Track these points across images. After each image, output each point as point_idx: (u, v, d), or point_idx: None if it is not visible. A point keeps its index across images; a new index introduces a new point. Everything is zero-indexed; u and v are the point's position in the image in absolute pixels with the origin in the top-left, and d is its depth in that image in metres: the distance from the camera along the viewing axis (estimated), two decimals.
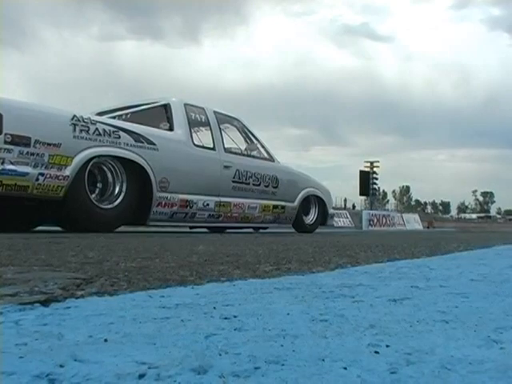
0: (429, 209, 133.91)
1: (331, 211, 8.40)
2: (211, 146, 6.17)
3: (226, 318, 0.84)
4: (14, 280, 1.23)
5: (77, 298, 1.03)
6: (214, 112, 6.48)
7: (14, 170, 4.12)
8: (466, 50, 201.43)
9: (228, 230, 7.13)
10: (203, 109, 6.36)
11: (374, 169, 32.74)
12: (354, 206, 44.23)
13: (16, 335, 0.70)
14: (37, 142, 4.24)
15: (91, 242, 3.08)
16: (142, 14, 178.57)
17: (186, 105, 6.07)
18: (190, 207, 5.72)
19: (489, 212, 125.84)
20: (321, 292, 1.18)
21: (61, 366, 0.55)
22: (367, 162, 33.60)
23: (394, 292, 1.20)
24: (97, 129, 4.78)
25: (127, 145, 5.03)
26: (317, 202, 7.92)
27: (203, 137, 6.28)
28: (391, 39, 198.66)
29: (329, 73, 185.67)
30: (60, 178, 4.42)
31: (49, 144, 4.33)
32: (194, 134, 6.01)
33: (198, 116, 6.20)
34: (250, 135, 7.04)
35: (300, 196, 7.42)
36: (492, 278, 1.58)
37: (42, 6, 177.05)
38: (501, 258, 2.77)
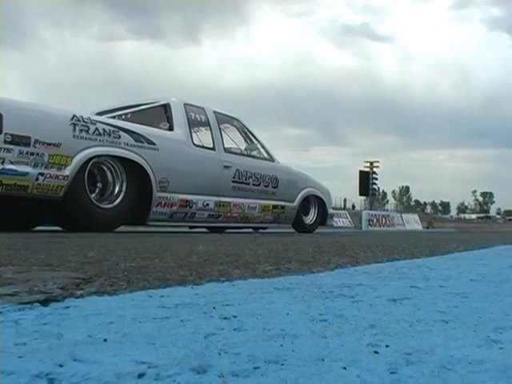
0: (428, 209, 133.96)
1: (331, 211, 8.40)
2: (211, 145, 6.18)
3: (225, 318, 0.84)
4: (14, 280, 1.23)
5: (76, 297, 1.03)
6: (214, 112, 6.48)
7: (14, 170, 4.12)
8: (466, 50, 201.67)
9: (228, 230, 7.13)
10: (203, 109, 6.36)
11: (374, 169, 32.75)
12: (353, 206, 44.24)
13: (15, 335, 0.70)
14: (37, 141, 4.24)
15: (91, 242, 3.08)
16: (142, 13, 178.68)
17: (185, 105, 6.07)
18: (190, 207, 5.72)
19: (488, 212, 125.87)
20: (320, 292, 1.18)
21: (60, 366, 0.55)
22: (367, 162, 33.63)
23: (393, 292, 1.20)
24: (97, 128, 4.78)
25: (127, 145, 5.03)
26: (316, 202, 7.92)
27: (203, 137, 6.28)
28: (391, 39, 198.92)
29: (329, 73, 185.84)
30: (60, 177, 4.42)
31: (49, 144, 4.33)
32: (193, 134, 6.02)
33: (197, 116, 6.20)
34: (250, 135, 7.05)
35: (300, 196, 7.42)
36: (491, 278, 1.58)
37: (41, 6, 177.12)
38: (500, 258, 2.77)
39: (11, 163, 4.10)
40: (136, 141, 5.13)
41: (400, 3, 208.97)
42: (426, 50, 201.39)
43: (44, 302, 0.95)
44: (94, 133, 4.74)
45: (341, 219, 25.31)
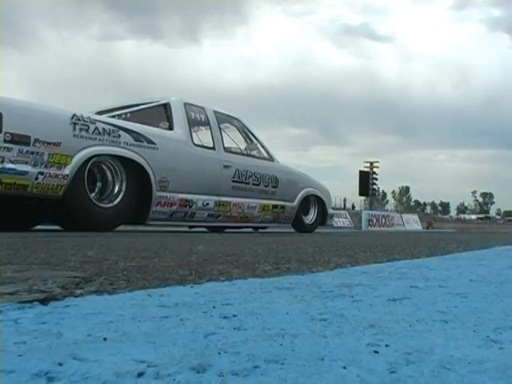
0: (428, 209, 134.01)
1: (331, 211, 8.41)
2: (211, 145, 6.18)
3: (225, 317, 0.84)
4: (13, 278, 1.23)
5: (76, 296, 1.03)
6: (214, 111, 6.49)
7: (14, 169, 4.12)
8: (466, 51, 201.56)
9: (227, 230, 7.13)
10: (203, 108, 6.36)
11: (374, 169, 32.76)
12: (353, 206, 44.25)
13: (15, 334, 0.70)
14: (36, 140, 4.24)
15: (90, 241, 3.08)
16: (142, 13, 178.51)
17: (185, 104, 6.07)
18: (190, 207, 5.72)
19: (488, 213, 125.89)
20: (320, 292, 1.18)
21: (60, 365, 0.55)
22: (367, 162, 33.64)
23: (393, 292, 1.20)
24: (96, 128, 4.78)
25: (127, 144, 5.03)
26: (316, 201, 7.92)
27: (203, 136, 6.29)
28: (391, 39, 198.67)
29: (329, 73, 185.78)
30: (59, 176, 4.42)
31: (48, 143, 4.33)
32: (193, 134, 6.02)
33: (197, 115, 6.20)
34: (250, 135, 7.05)
35: (299, 196, 7.42)
36: (491, 278, 1.58)
37: (41, 6, 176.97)
38: (500, 258, 2.78)
39: (11, 162, 4.10)
40: (136, 140, 5.13)
41: (400, 3, 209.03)
42: (425, 49, 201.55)
43: (44, 301, 0.95)
44: (93, 132, 4.74)
45: (340, 219, 25.32)
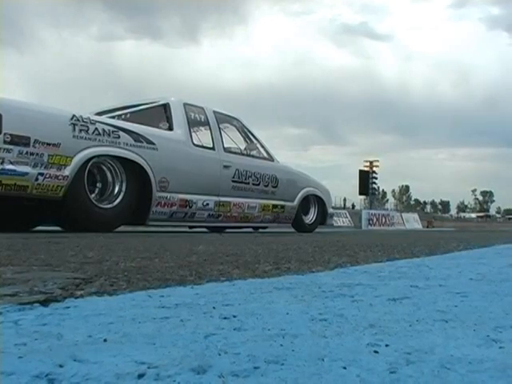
0: (428, 208, 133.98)
1: (331, 211, 8.40)
2: (211, 145, 6.17)
3: (225, 318, 0.84)
4: (14, 280, 1.23)
5: (76, 297, 1.03)
6: (214, 112, 6.48)
7: (14, 170, 4.12)
8: (466, 49, 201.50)
9: (227, 230, 7.13)
10: (203, 108, 6.36)
11: (374, 168, 32.73)
12: (353, 206, 44.22)
13: (15, 335, 0.70)
14: (36, 141, 4.24)
15: (90, 242, 3.08)
16: (141, 13, 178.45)
17: (185, 104, 6.07)
18: (190, 207, 5.72)
19: (488, 211, 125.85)
20: (320, 291, 1.18)
21: (60, 366, 0.55)
22: (367, 161, 33.60)
23: (393, 291, 1.20)
24: (96, 128, 4.78)
25: (127, 144, 5.03)
26: (316, 201, 7.92)
27: (203, 136, 6.28)
28: (390, 38, 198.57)
29: (328, 72, 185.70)
30: (59, 177, 4.42)
31: (48, 144, 4.33)
32: (193, 134, 6.01)
33: (197, 116, 6.20)
34: (250, 135, 7.04)
35: (299, 195, 7.42)
36: (491, 277, 1.58)
37: (41, 6, 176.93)
38: (500, 257, 2.78)
39: (11, 163, 4.10)
40: (135, 141, 5.13)
41: (399, 2, 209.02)
42: (425, 49, 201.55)
43: (44, 303, 0.95)
44: (93, 133, 4.73)
45: (340, 219, 25.31)
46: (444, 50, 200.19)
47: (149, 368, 0.55)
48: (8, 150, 4.08)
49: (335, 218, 19.74)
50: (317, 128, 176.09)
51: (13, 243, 2.75)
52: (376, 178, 32.59)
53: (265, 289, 1.21)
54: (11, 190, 4.14)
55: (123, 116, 6.04)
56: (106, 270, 1.54)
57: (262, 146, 7.14)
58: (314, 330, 0.76)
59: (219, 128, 6.41)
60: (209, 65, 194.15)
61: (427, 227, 33.72)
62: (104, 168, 5.03)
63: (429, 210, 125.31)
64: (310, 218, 7.90)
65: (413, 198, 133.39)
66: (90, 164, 4.75)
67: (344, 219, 26.04)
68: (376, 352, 0.64)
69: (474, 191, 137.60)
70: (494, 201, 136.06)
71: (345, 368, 0.57)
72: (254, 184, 6.63)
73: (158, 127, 5.78)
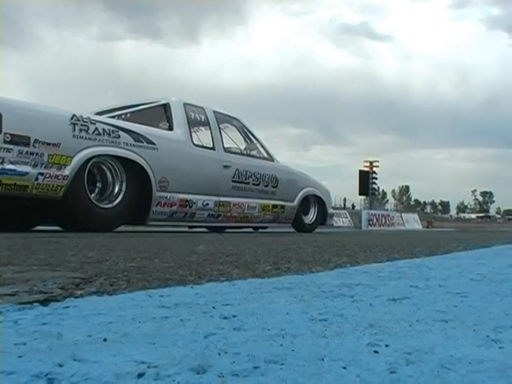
0: (428, 208, 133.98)
1: (331, 211, 8.40)
2: (211, 145, 6.17)
3: (225, 318, 0.84)
4: (14, 279, 1.23)
5: (76, 297, 1.03)
6: (214, 112, 6.48)
7: (14, 170, 4.11)
8: (466, 50, 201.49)
9: (227, 230, 7.13)
10: (203, 108, 6.36)
11: (374, 168, 32.71)
12: (353, 206, 44.24)
13: (15, 335, 0.70)
14: (36, 141, 4.24)
15: (90, 242, 3.08)
16: (141, 13, 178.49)
17: (185, 104, 6.07)
18: (190, 207, 5.72)
19: (488, 212, 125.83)
20: (320, 291, 1.18)
21: (60, 366, 0.55)
22: (366, 161, 33.57)
23: (393, 291, 1.20)
24: (96, 128, 4.78)
25: (127, 144, 5.03)
26: (316, 201, 7.92)
27: (203, 136, 6.28)
28: (390, 38, 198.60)
29: (328, 72, 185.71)
30: (59, 177, 4.41)
31: (48, 143, 4.33)
32: (193, 134, 6.01)
33: (197, 116, 6.20)
34: (250, 135, 7.04)
35: (299, 196, 7.42)
36: (491, 277, 1.58)
37: (41, 6, 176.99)
38: (500, 257, 2.78)
39: (11, 163, 4.10)
40: (136, 140, 5.12)
41: (399, 2, 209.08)
42: (425, 49, 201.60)
43: (44, 302, 0.95)
44: (93, 132, 4.73)
45: (340, 219, 25.31)
46: (444, 50, 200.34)
47: (148, 367, 0.55)
48: (8, 150, 4.08)
49: (335, 219, 19.74)
50: (317, 128, 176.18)
51: (13, 243, 2.75)
52: (376, 179, 32.57)
53: (265, 289, 1.21)
54: (11, 189, 4.14)
55: (123, 116, 6.04)
56: (106, 269, 1.54)
57: (262, 146, 7.14)
58: (313, 330, 0.76)
59: (219, 128, 6.41)
60: (209, 65, 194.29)
61: (427, 227, 33.73)
62: (104, 168, 5.03)
63: (429, 211, 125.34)
64: (310, 218, 7.90)
65: (413, 199, 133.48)
66: (90, 164, 4.75)
67: (344, 219, 26.05)
68: (376, 352, 0.64)
69: (473, 192, 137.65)
70: (493, 201, 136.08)
71: (345, 368, 0.57)
72: (253, 184, 6.63)
73: (158, 127, 5.78)
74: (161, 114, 6.00)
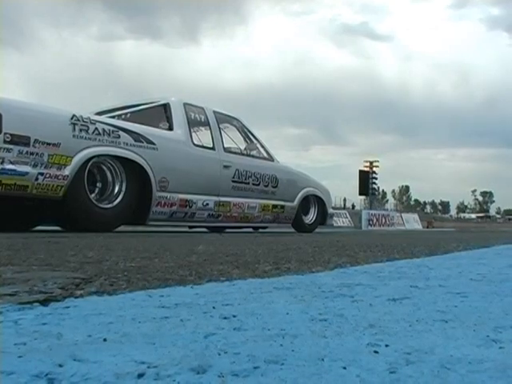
0: (428, 208, 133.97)
1: (331, 211, 8.40)
2: (211, 145, 6.17)
3: (225, 318, 0.84)
4: (14, 279, 1.23)
5: (76, 297, 1.03)
6: (214, 112, 6.48)
7: (14, 170, 4.11)
8: (466, 50, 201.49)
9: (227, 230, 7.13)
10: (203, 108, 6.36)
11: (374, 168, 32.71)
12: (353, 206, 44.22)
13: (15, 335, 0.70)
14: (36, 141, 4.24)
15: (90, 242, 3.08)
16: (141, 13, 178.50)
17: (185, 104, 6.07)
18: (190, 207, 5.72)
19: (488, 212, 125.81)
20: (320, 292, 1.18)
21: (60, 366, 0.55)
22: (366, 161, 33.57)
23: (393, 291, 1.20)
24: (96, 128, 4.78)
25: (127, 144, 5.03)
26: (316, 201, 7.92)
27: (203, 136, 6.28)
28: (390, 38, 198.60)
29: (328, 72, 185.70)
30: (59, 177, 4.41)
31: (48, 143, 4.33)
32: (193, 134, 6.01)
33: (197, 116, 6.20)
34: (250, 135, 7.04)
35: (299, 196, 7.42)
36: (491, 277, 1.58)
37: (41, 6, 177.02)
38: (500, 257, 2.78)
39: (11, 163, 4.10)
40: (136, 140, 5.12)
41: (399, 2, 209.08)
42: (425, 49, 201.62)
43: (44, 302, 0.95)
44: (93, 132, 4.73)
45: (340, 219, 25.31)
46: (444, 50, 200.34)
47: (148, 368, 0.55)
48: (8, 150, 4.08)
49: (335, 219, 19.74)
50: (317, 128, 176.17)
51: (13, 243, 2.75)
52: (376, 179, 32.57)
53: (265, 289, 1.21)
54: (11, 189, 4.14)
55: (123, 116, 6.04)
56: (106, 269, 1.54)
57: (262, 146, 7.14)
58: (313, 330, 0.76)
59: (219, 128, 6.41)
60: (209, 65, 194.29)
61: (427, 227, 33.72)
62: (104, 168, 5.03)
63: (429, 211, 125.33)
64: (310, 218, 7.90)
65: (413, 199, 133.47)
66: (90, 164, 4.75)
67: (344, 219, 26.04)
68: (376, 352, 0.64)
69: (473, 192, 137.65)
70: (493, 201, 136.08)
71: (345, 368, 0.57)
72: (253, 184, 6.63)
73: (158, 127, 5.78)
74: (161, 114, 6.00)
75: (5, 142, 4.05)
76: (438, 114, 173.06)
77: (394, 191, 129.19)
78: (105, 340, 0.67)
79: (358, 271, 1.72)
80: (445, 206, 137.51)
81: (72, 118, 4.60)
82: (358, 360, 0.60)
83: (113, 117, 5.80)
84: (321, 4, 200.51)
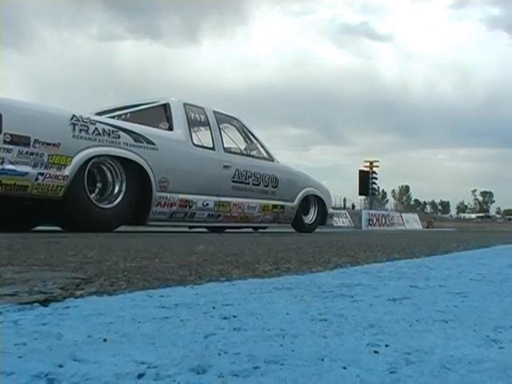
0: (428, 208, 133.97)
1: (331, 211, 8.40)
2: (211, 145, 6.17)
3: (225, 318, 0.84)
4: (14, 280, 1.23)
5: (76, 297, 1.03)
6: (214, 112, 6.48)
7: (14, 170, 4.12)
8: (466, 50, 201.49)
9: (227, 230, 7.13)
10: (203, 108, 6.36)
11: (374, 168, 32.70)
12: (353, 206, 44.21)
13: (15, 335, 0.70)
14: (36, 141, 4.24)
15: (90, 242, 3.08)
16: (141, 13, 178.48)
17: (185, 104, 6.07)
18: (190, 207, 5.72)
19: (488, 212, 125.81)
20: (320, 292, 1.18)
21: (60, 366, 0.55)
22: (366, 161, 33.56)
23: (393, 291, 1.20)
24: (96, 128, 4.78)
25: (127, 144, 5.03)
26: (316, 201, 7.92)
27: (203, 136, 6.28)
28: (390, 38, 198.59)
29: (328, 72, 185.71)
30: (59, 177, 4.41)
31: (48, 144, 4.33)
32: (193, 134, 6.01)
33: (197, 116, 6.20)
34: (250, 135, 7.04)
35: (299, 196, 7.42)
36: (491, 277, 1.58)
37: (41, 6, 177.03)
38: (500, 257, 2.78)
39: (11, 163, 4.10)
40: (135, 141, 5.12)
41: (399, 2, 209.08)
42: (425, 49, 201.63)
43: (44, 302, 0.95)
44: (93, 133, 4.73)
45: (340, 219, 25.31)
46: (444, 50, 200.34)
47: (148, 368, 0.55)
48: (8, 150, 4.08)
49: (335, 219, 19.74)
50: (317, 128, 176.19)
51: (13, 243, 2.75)
52: (376, 179, 32.57)
53: (265, 289, 1.21)
54: (11, 189, 4.14)
55: (123, 116, 6.04)
56: (106, 269, 1.54)
57: (262, 146, 7.14)
58: (313, 330, 0.76)
59: (219, 128, 6.41)
60: (209, 65, 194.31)
61: (427, 227, 33.72)
62: (104, 168, 5.03)
63: (429, 211, 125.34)
64: (310, 218, 7.90)
65: (413, 199, 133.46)
66: (90, 164, 4.75)
67: (344, 219, 26.04)
68: (376, 352, 0.64)
69: (473, 192, 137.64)
70: (493, 201, 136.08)
71: (345, 368, 0.57)
72: (253, 184, 6.63)
73: (158, 127, 5.78)
74: (161, 114, 6.00)
75: (5, 142, 4.05)
76: (438, 114, 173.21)
77: (393, 191, 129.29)
78: (105, 340, 0.67)
79: (357, 271, 1.72)
80: (445, 206, 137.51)
81: (72, 118, 4.60)
82: (358, 360, 0.60)
83: (113, 117, 5.80)
84: (321, 4, 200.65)
